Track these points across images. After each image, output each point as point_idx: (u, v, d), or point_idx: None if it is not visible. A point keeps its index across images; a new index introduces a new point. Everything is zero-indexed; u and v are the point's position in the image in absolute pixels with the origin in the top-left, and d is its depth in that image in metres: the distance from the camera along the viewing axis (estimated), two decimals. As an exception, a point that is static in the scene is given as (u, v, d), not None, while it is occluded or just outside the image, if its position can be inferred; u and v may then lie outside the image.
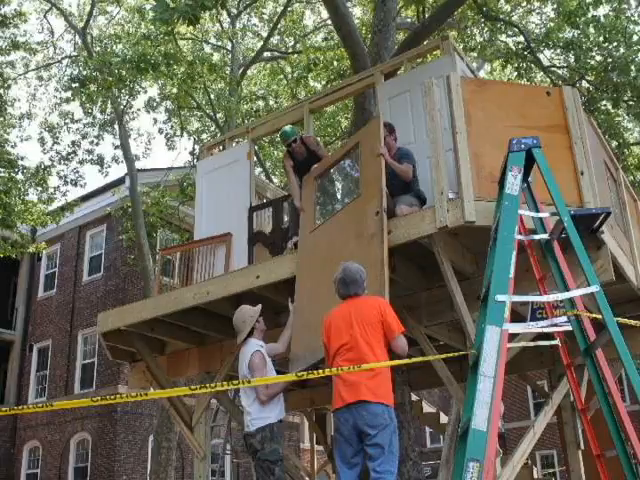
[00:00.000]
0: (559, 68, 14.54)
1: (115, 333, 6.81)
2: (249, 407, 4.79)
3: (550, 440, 20.88)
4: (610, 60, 11.98)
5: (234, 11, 18.04)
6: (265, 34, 18.26)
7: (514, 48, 13.67)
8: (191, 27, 7.63)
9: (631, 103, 12.28)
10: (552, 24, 14.03)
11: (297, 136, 6.48)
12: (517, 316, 4.50)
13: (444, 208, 4.64)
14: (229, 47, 18.34)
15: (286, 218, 7.32)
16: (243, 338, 4.94)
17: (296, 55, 17.94)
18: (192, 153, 17.88)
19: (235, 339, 5.08)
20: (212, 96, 16.67)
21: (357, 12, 17.14)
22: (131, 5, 17.87)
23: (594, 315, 3.82)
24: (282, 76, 18.66)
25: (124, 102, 16.94)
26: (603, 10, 13.28)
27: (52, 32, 19.60)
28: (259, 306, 5.06)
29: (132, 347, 7.09)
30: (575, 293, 3.81)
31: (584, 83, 13.47)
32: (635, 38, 12.47)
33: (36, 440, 20.00)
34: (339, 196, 7.39)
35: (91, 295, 20.45)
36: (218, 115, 16.88)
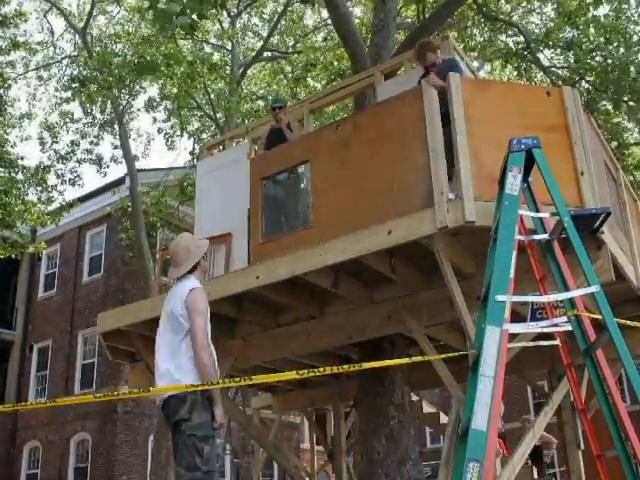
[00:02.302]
0: (559, 68, 14.54)
1: (115, 333, 6.81)
2: (177, 360, 3.67)
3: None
4: (610, 61, 11.99)
5: (234, 11, 18.05)
6: (265, 34, 18.26)
7: (514, 48, 13.68)
8: (192, 32, 7.68)
9: (631, 104, 12.28)
10: (552, 24, 14.04)
11: (283, 105, 6.97)
12: (517, 316, 4.50)
13: (444, 208, 4.64)
14: (229, 47, 18.34)
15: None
16: (183, 273, 3.87)
17: (296, 55, 17.94)
18: (192, 153, 17.89)
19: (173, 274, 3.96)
20: (212, 96, 16.67)
21: (357, 12, 17.14)
22: (131, 5, 17.88)
23: (594, 315, 3.82)
24: (282, 76, 18.66)
25: (124, 102, 16.94)
26: (603, 10, 13.29)
27: (52, 32, 19.62)
28: (206, 241, 4.12)
29: (132, 347, 7.09)
30: (575, 293, 3.82)
31: (584, 83, 13.47)
32: (635, 39, 12.48)
33: (36, 440, 20.00)
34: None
35: (91, 295, 20.45)
36: (218, 115, 16.88)
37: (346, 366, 3.97)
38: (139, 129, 34.19)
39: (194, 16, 5.81)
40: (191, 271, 3.90)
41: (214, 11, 14.02)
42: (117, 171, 57.34)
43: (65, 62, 18.87)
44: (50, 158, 17.01)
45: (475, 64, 15.07)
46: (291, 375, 4.32)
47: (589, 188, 4.81)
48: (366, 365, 3.93)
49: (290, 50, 18.60)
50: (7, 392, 21.29)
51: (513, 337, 4.66)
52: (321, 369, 3.97)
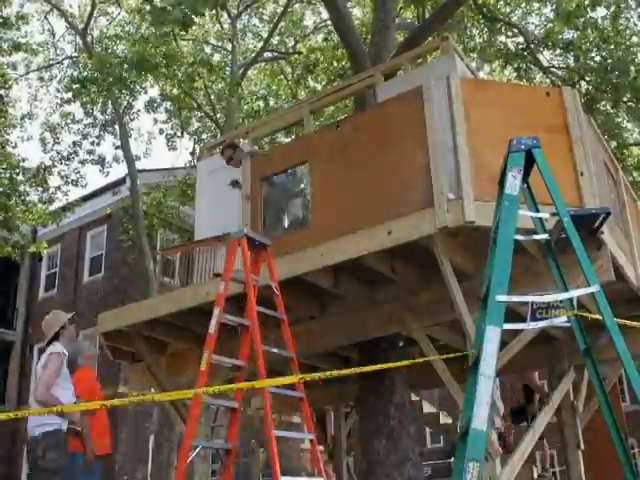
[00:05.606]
0: (559, 69, 14.53)
1: (115, 333, 6.82)
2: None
3: (550, 440, 20.81)
4: (610, 61, 11.97)
5: (234, 12, 18.05)
6: (265, 35, 18.27)
7: (514, 49, 13.68)
8: (187, 29, 7.67)
9: (631, 104, 12.27)
10: (551, 25, 14.03)
11: None
12: (517, 316, 4.50)
13: (444, 208, 4.65)
14: (229, 48, 18.35)
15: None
16: (47, 341, 4.94)
17: (296, 55, 17.95)
18: (192, 153, 17.90)
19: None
20: (212, 96, 16.68)
21: (357, 12, 17.12)
22: (132, 6, 17.88)
23: (594, 315, 3.82)
24: (282, 76, 18.67)
25: (124, 103, 16.95)
26: (602, 12, 13.29)
27: (53, 33, 19.62)
28: (71, 314, 5.21)
29: (132, 347, 7.10)
30: (575, 293, 3.81)
31: (584, 83, 13.46)
32: (635, 39, 12.48)
33: (36, 440, 19.99)
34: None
35: (92, 295, 20.44)
36: (218, 115, 16.89)
37: (346, 370, 3.98)
38: (140, 129, 34.09)
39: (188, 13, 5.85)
40: (56, 338, 4.90)
41: (213, 12, 14.03)
42: (119, 171, 57.36)
43: (66, 63, 18.90)
44: (52, 159, 17.04)
45: (474, 64, 15.07)
46: (291, 379, 4.33)
47: (589, 188, 4.82)
48: (366, 369, 3.94)
49: (290, 51, 18.60)
50: (8, 392, 21.29)
51: (514, 335, 4.67)
52: (320, 374, 3.98)
